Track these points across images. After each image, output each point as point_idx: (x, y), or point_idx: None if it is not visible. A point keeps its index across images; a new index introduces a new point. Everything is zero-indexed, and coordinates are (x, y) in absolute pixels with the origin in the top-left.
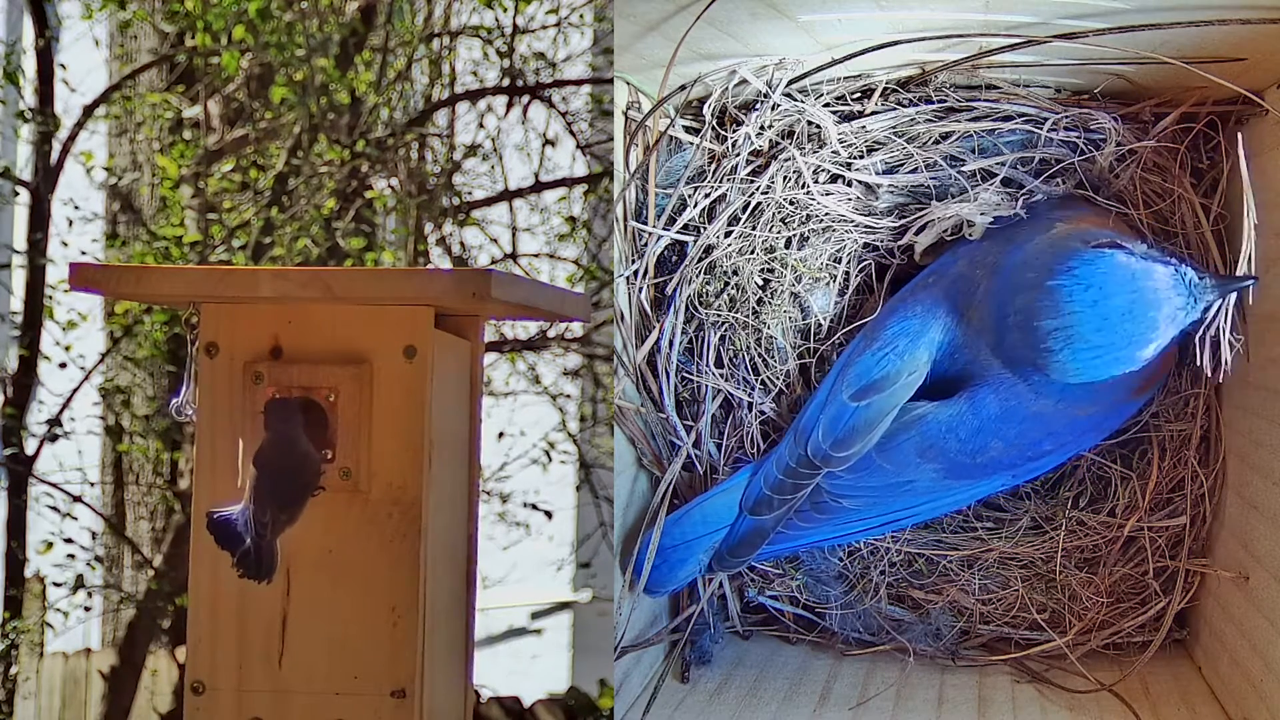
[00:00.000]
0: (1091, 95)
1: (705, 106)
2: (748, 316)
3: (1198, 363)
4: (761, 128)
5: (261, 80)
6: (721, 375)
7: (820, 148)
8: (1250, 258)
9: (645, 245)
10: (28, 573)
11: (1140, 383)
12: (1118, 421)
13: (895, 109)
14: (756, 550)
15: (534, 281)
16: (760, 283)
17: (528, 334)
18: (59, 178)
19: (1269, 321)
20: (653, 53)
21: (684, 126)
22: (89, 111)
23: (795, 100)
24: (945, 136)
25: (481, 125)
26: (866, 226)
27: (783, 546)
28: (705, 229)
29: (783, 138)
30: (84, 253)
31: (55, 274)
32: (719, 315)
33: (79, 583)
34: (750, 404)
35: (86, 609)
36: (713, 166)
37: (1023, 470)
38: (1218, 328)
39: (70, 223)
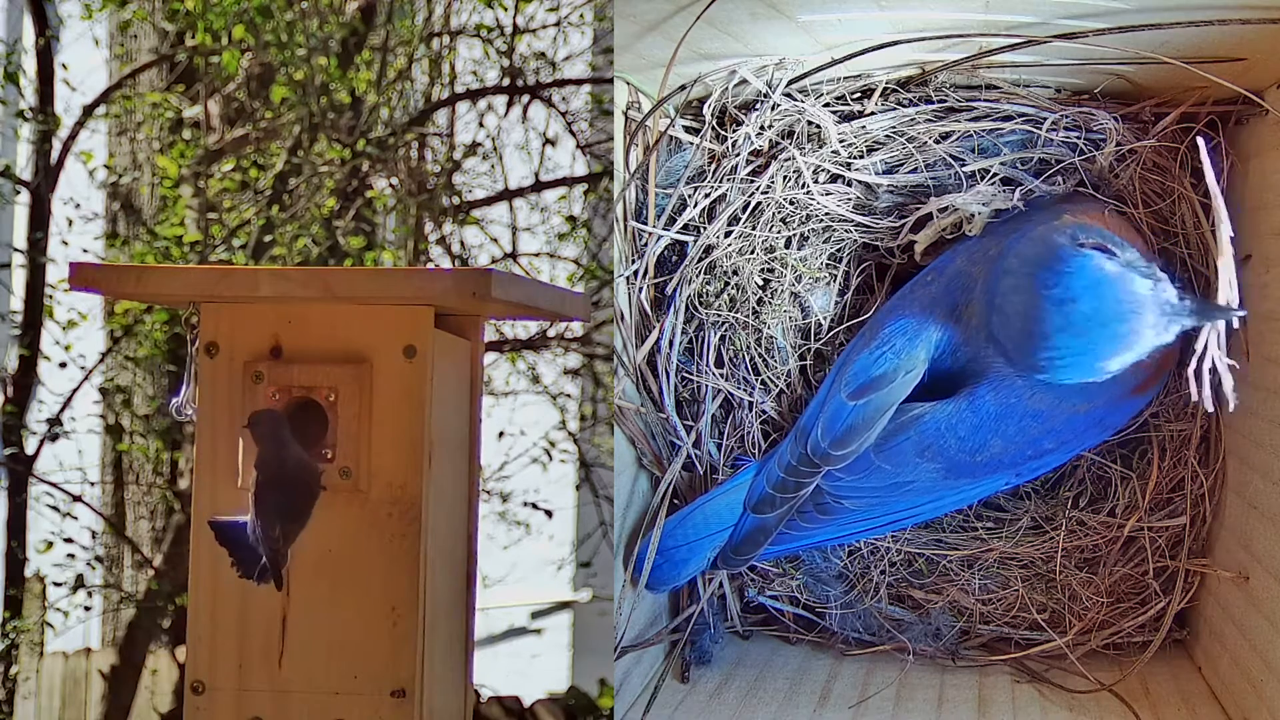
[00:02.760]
0: (1091, 95)
1: (705, 106)
2: (748, 316)
3: (1195, 398)
4: (761, 128)
5: (262, 80)
6: (721, 375)
7: (820, 148)
8: (1231, 282)
9: (645, 245)
10: (28, 572)
11: (1141, 381)
12: (1120, 420)
13: (895, 109)
14: (760, 549)
15: (534, 281)
16: (760, 282)
17: (528, 334)
18: (59, 177)
19: (1269, 321)
20: (653, 53)
21: (684, 126)
22: (89, 111)
23: (795, 100)
24: (945, 136)
25: (481, 125)
26: (866, 226)
27: (786, 546)
28: (705, 229)
29: (783, 138)
30: (85, 251)
31: (55, 273)
32: (719, 315)
33: (79, 582)
34: (751, 404)
35: (86, 609)
36: (713, 166)
37: (1025, 469)
38: (1212, 359)
39: (70, 222)
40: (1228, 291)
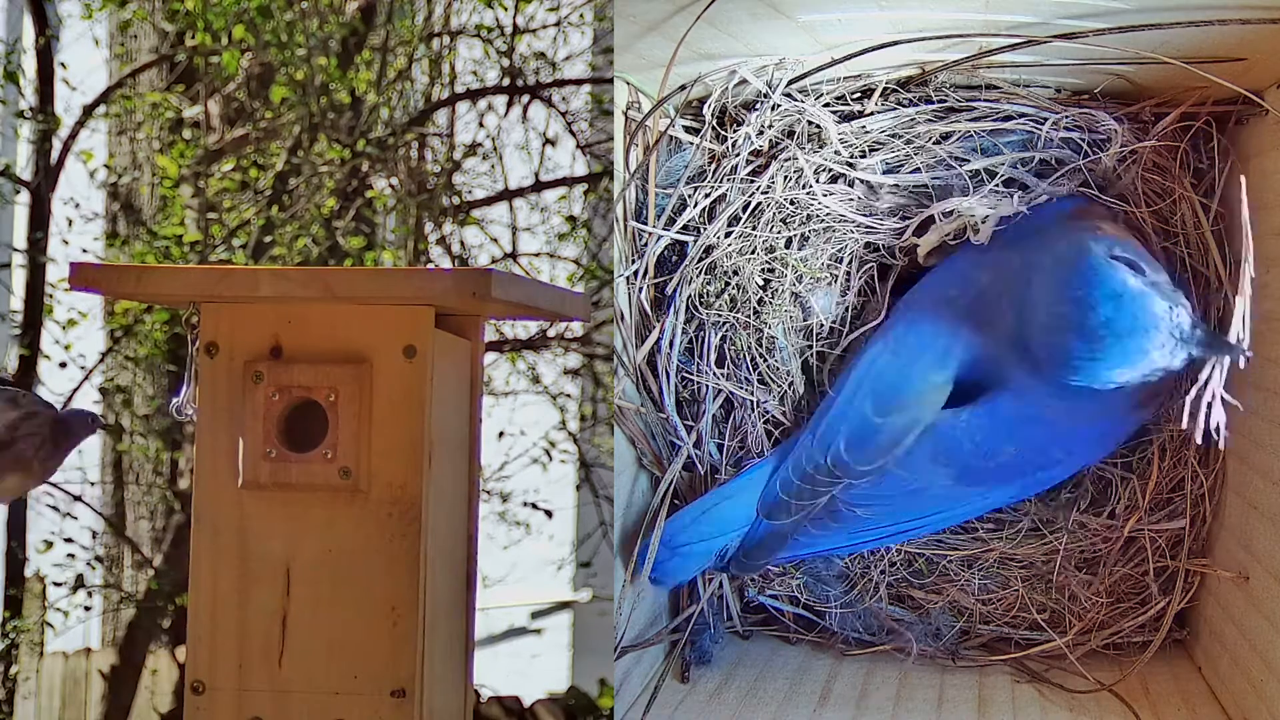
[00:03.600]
0: (1092, 95)
1: (705, 106)
2: (748, 316)
3: (1185, 427)
4: (762, 128)
5: (262, 80)
6: (722, 375)
7: (820, 148)
8: (1245, 316)
9: (645, 245)
10: (28, 572)
11: (1145, 399)
12: (1123, 434)
13: (895, 109)
14: (774, 554)
15: (534, 281)
16: (761, 283)
17: (528, 334)
18: (59, 177)
19: (1269, 321)
20: (653, 53)
21: (684, 126)
22: (89, 111)
23: (795, 100)
24: (946, 136)
25: (481, 125)
26: (867, 227)
27: (797, 553)
28: (705, 229)
29: (783, 137)
30: (85, 251)
31: (55, 273)
32: (719, 315)
33: (79, 582)
34: (752, 404)
35: (86, 609)
36: (713, 166)
37: (1032, 481)
38: (1212, 393)
39: (70, 222)
40: (1239, 328)
